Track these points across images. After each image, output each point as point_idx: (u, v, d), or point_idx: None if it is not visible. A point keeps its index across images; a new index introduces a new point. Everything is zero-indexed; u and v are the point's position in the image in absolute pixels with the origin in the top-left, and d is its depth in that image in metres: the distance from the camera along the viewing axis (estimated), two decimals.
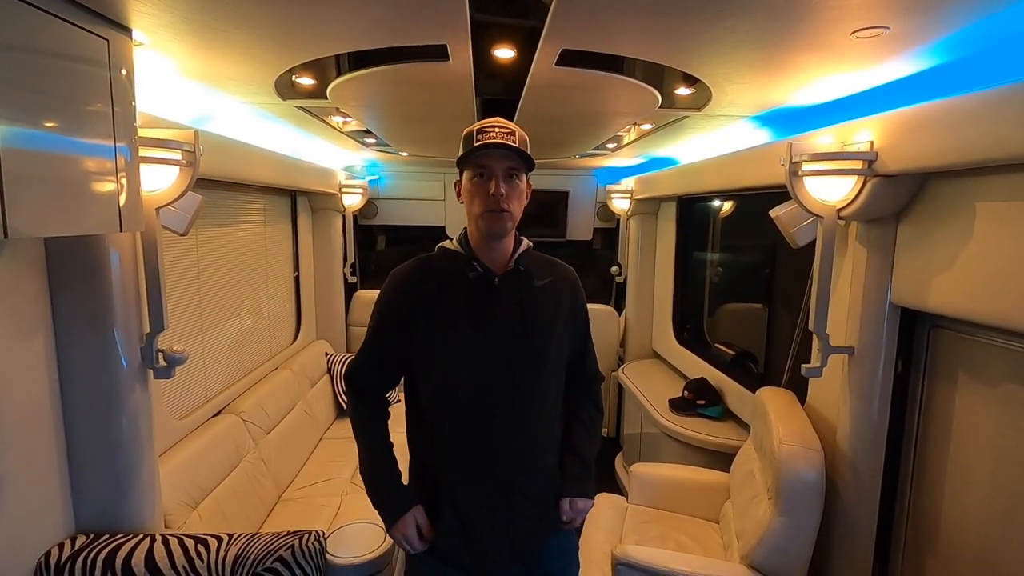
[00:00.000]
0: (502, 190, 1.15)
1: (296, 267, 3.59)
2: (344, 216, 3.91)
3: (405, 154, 3.53)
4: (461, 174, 1.24)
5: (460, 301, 1.22)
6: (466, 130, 1.21)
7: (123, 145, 1.26)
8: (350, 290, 4.16)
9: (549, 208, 4.50)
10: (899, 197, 1.55)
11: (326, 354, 3.66)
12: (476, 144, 1.15)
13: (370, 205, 4.38)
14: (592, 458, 1.38)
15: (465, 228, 1.28)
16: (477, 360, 1.21)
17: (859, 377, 1.70)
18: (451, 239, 1.31)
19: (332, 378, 3.57)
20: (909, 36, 1.18)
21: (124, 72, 1.25)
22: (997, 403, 1.42)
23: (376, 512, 1.29)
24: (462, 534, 1.25)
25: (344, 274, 3.99)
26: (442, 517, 1.25)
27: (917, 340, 1.69)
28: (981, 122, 1.18)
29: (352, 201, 3.83)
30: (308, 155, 3.29)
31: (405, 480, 1.35)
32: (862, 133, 1.55)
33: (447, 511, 1.25)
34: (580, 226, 4.57)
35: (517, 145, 1.16)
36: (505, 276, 1.24)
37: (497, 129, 1.16)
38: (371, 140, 3.00)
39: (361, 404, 1.37)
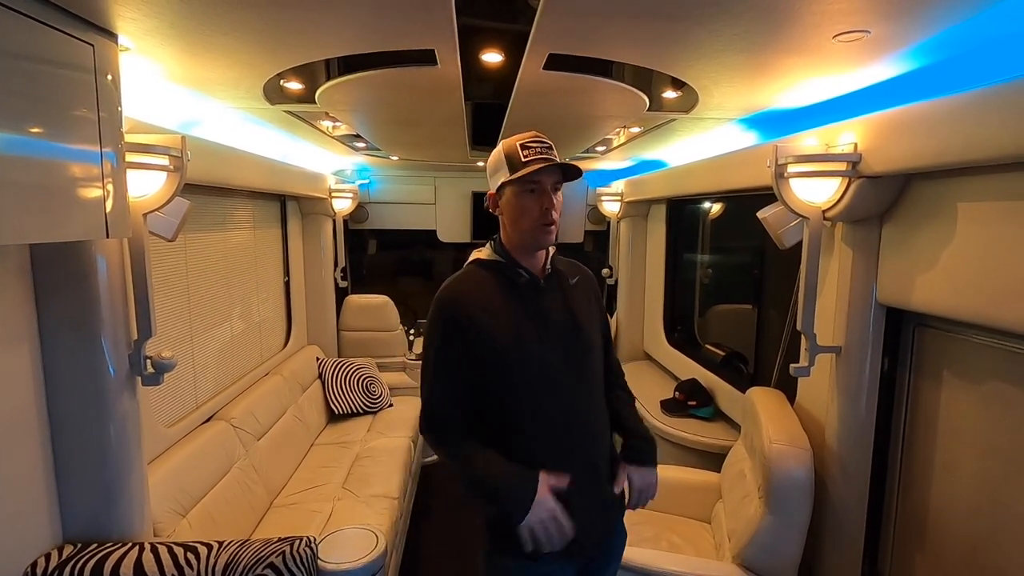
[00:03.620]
0: (554, 203, 1.23)
1: (286, 272, 3.58)
2: (334, 220, 3.90)
3: (395, 158, 3.53)
4: (500, 187, 1.26)
5: (517, 306, 1.27)
6: (504, 145, 1.25)
7: (109, 151, 1.25)
8: (341, 295, 4.15)
9: None
10: (883, 198, 1.57)
11: (317, 359, 3.65)
12: (524, 159, 1.20)
13: (361, 209, 4.37)
14: (647, 432, 1.44)
15: (497, 238, 1.34)
16: (545, 359, 1.26)
17: (846, 376, 1.72)
18: (481, 250, 1.35)
19: (323, 383, 3.55)
20: (889, 40, 1.20)
21: (110, 77, 1.24)
22: (980, 399, 1.44)
23: (368, 517, 1.27)
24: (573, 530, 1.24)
25: (335, 279, 3.98)
26: None
27: (903, 338, 1.71)
28: (961, 124, 1.20)
29: (342, 205, 3.82)
30: (298, 159, 3.28)
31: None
32: (846, 135, 1.57)
33: None
34: (571, 229, 4.59)
35: (558, 160, 1.22)
36: (547, 278, 1.32)
37: (540, 145, 1.23)
38: (361, 144, 3.00)
39: (453, 443, 1.28)
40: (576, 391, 1.29)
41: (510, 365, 1.25)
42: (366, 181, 4.37)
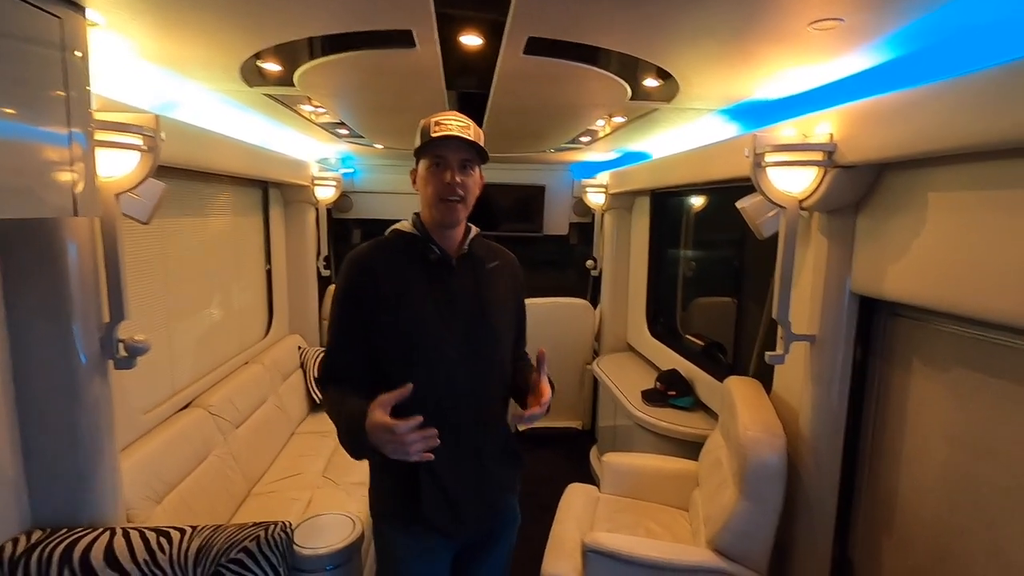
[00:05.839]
0: (458, 179, 1.23)
1: (268, 260, 3.54)
2: (317, 209, 3.86)
3: (380, 146, 3.50)
4: (417, 162, 1.30)
5: (423, 281, 1.28)
6: (423, 121, 1.26)
7: (78, 130, 1.22)
8: (324, 284, 4.12)
9: (525, 203, 4.51)
10: (857, 188, 1.59)
11: (299, 348, 3.62)
12: (433, 135, 1.22)
13: (345, 198, 4.33)
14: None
15: (417, 213, 1.35)
16: (442, 338, 1.27)
17: (820, 364, 1.75)
18: (404, 221, 1.35)
19: (305, 372, 3.53)
20: (863, 28, 1.22)
21: (79, 54, 1.21)
22: (948, 387, 1.47)
23: (348, 505, 1.30)
24: (445, 501, 1.30)
25: (318, 267, 3.95)
26: (423, 489, 1.28)
27: (876, 327, 1.74)
28: (930, 114, 1.22)
29: (325, 194, 3.79)
30: (281, 146, 3.24)
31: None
32: (822, 125, 1.58)
33: (426, 482, 1.28)
34: (556, 221, 4.59)
35: (472, 138, 1.23)
36: (460, 259, 1.33)
37: (454, 122, 1.23)
38: (344, 131, 2.97)
39: (337, 390, 1.29)
40: (471, 375, 1.29)
41: (405, 339, 1.26)
42: (350, 170, 4.34)
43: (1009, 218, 1.15)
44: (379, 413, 1.09)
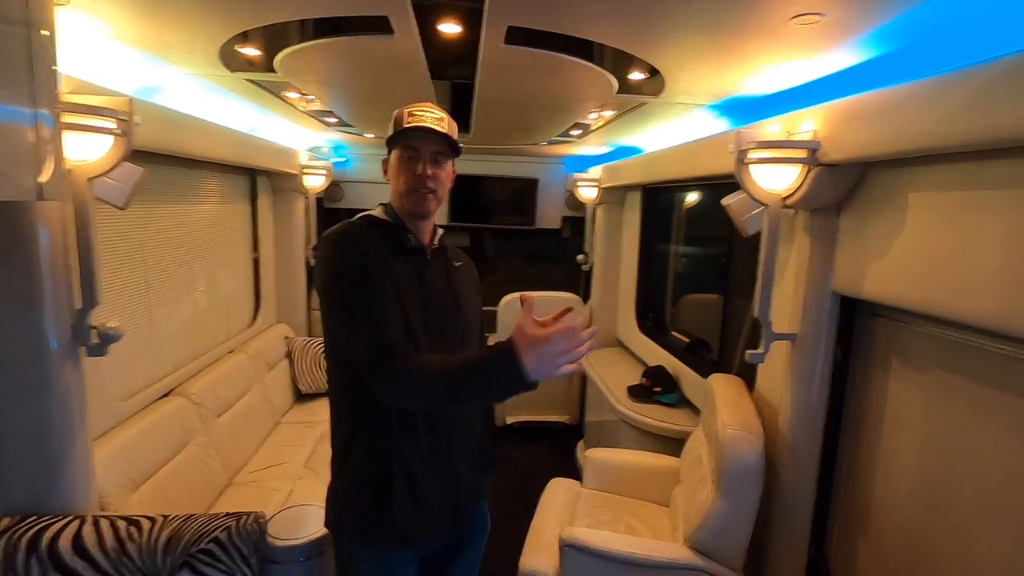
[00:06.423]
0: (429, 171, 1.21)
1: (255, 248, 3.51)
2: (307, 198, 3.83)
3: (370, 136, 3.47)
4: (389, 152, 1.28)
5: (403, 268, 1.23)
6: (397, 111, 1.24)
7: (44, 111, 1.19)
8: (313, 274, 4.09)
9: (518, 196, 4.48)
10: (840, 187, 1.57)
11: (286, 338, 3.60)
12: (406, 125, 1.20)
13: (336, 188, 4.30)
14: None
15: (386, 204, 1.32)
16: (421, 328, 1.20)
17: (800, 363, 1.74)
18: (376, 209, 1.32)
19: (292, 362, 3.52)
20: (845, 23, 1.20)
21: (45, 32, 1.18)
22: (924, 389, 1.46)
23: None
24: (415, 504, 1.23)
25: (307, 258, 3.92)
26: (395, 494, 1.21)
27: (857, 327, 1.73)
28: (911, 112, 1.20)
29: (315, 182, 3.75)
30: (272, 135, 3.21)
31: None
32: (807, 123, 1.57)
33: (401, 485, 1.22)
34: (549, 214, 4.57)
35: (446, 131, 1.21)
36: (434, 252, 1.31)
37: (428, 113, 1.21)
38: (332, 120, 2.94)
39: (413, 358, 1.10)
40: None
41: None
42: (342, 159, 4.30)
43: (987, 220, 1.13)
44: (530, 326, 0.94)
